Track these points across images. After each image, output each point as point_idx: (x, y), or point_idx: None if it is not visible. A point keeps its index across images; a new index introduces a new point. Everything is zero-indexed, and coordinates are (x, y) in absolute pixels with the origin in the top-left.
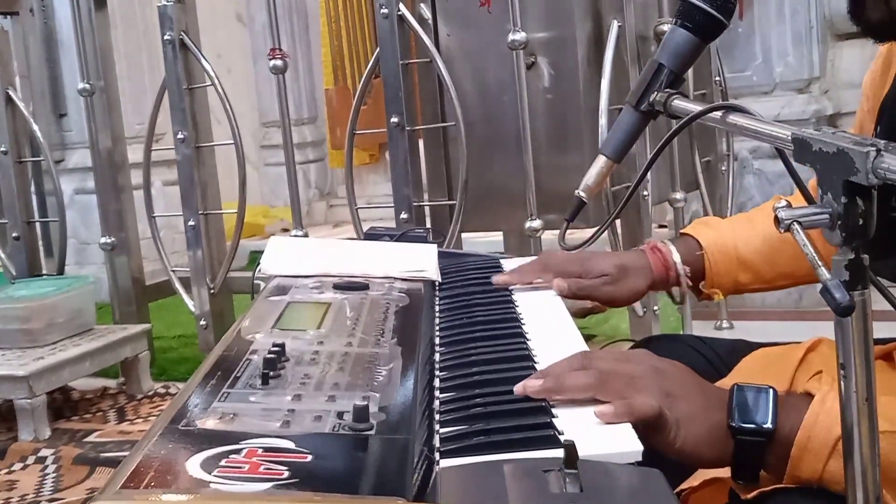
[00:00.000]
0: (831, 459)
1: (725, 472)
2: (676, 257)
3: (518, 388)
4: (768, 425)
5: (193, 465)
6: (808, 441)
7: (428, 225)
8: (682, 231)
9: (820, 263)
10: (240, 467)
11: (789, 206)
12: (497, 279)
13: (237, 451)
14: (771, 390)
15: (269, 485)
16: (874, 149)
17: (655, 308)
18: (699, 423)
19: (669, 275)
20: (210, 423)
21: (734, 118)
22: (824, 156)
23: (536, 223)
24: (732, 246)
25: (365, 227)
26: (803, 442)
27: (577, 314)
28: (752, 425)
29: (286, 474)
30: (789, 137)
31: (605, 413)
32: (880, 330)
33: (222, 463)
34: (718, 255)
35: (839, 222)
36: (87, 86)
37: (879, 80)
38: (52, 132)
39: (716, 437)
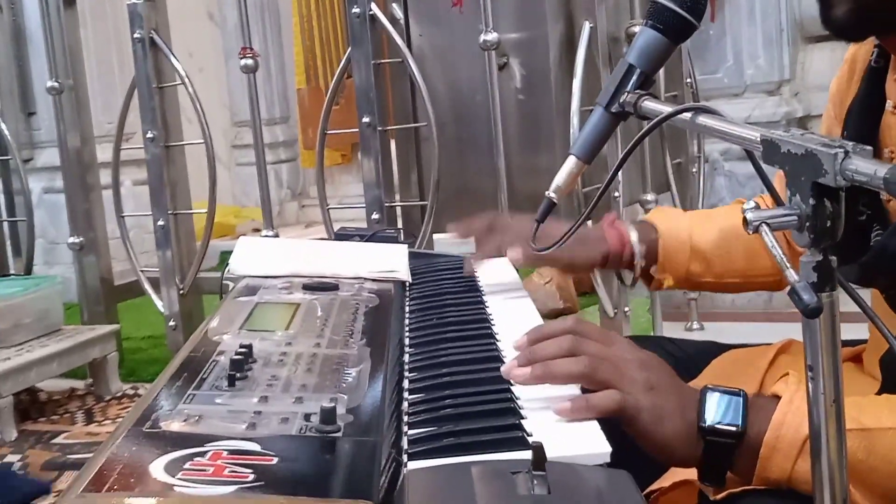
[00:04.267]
0: (800, 459)
1: (696, 474)
2: (634, 236)
3: (504, 370)
4: (738, 428)
5: (157, 468)
6: (777, 441)
7: (399, 225)
8: (640, 218)
9: (788, 265)
10: (204, 470)
11: (757, 207)
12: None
13: (202, 454)
14: (741, 393)
15: (233, 487)
16: (842, 150)
17: (626, 309)
18: (679, 418)
19: (624, 251)
20: (175, 426)
21: (703, 119)
22: (793, 157)
23: None
24: (687, 234)
25: (336, 228)
26: (772, 442)
27: (548, 315)
28: (722, 427)
29: (251, 477)
30: (758, 139)
31: (562, 410)
32: (849, 331)
33: (186, 465)
34: (672, 241)
35: (807, 224)
36: (56, 84)
37: (845, 86)
38: (20, 131)
39: (689, 435)
